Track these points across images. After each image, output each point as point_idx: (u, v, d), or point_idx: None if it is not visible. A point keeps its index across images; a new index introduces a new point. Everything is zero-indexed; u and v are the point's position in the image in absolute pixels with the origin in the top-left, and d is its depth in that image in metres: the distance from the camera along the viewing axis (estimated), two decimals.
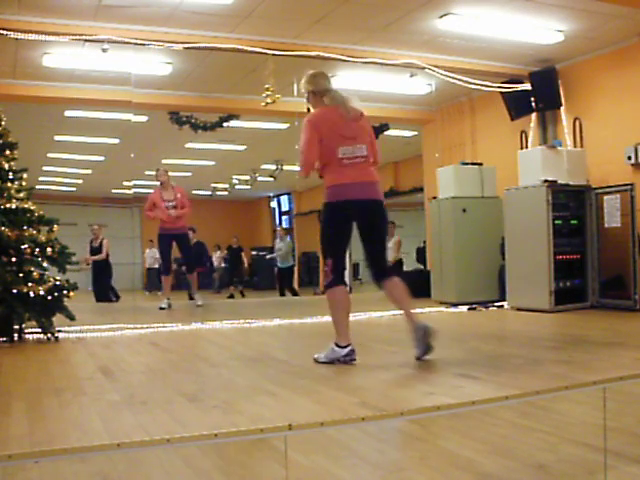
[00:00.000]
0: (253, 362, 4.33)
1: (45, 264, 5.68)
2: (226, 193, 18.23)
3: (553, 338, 5.60)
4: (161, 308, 8.10)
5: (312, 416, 2.69)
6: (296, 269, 14.73)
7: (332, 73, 8.24)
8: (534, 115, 8.51)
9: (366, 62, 7.53)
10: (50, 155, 12.78)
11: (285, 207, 20.16)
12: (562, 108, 8.19)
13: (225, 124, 10.14)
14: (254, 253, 19.23)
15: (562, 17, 6.60)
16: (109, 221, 14.78)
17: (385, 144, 11.22)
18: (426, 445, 2.93)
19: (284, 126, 10.66)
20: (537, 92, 8.13)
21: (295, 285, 13.88)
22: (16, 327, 5.40)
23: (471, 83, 8.09)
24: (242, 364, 4.26)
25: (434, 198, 8.96)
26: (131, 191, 13.19)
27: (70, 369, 4.38)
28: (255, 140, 12.21)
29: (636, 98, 7.23)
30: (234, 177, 16.70)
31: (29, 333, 5.53)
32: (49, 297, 5.46)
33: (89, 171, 14.90)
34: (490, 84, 8.34)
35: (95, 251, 10.58)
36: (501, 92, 8.45)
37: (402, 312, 4.09)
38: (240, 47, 6.96)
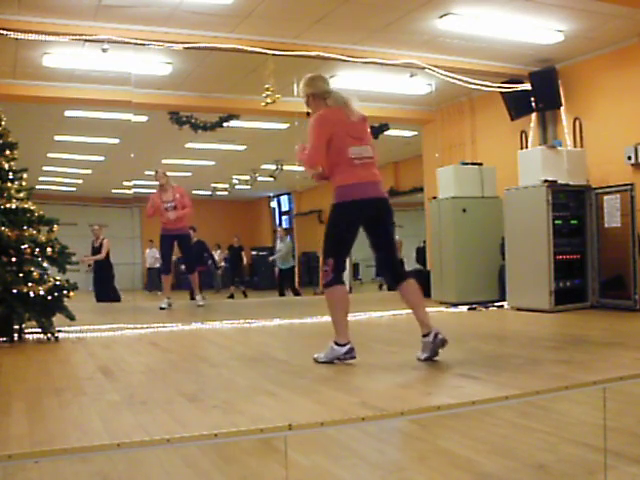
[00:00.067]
0: (253, 362, 4.33)
1: (45, 264, 5.68)
2: (226, 193, 18.24)
3: (553, 338, 5.60)
4: (161, 308, 8.10)
5: (312, 416, 2.69)
6: (296, 269, 14.73)
7: (332, 73, 8.27)
8: (534, 115, 8.51)
9: (366, 62, 7.53)
10: (50, 155, 12.78)
11: (285, 207, 20.17)
12: (562, 108, 8.19)
13: (225, 124, 10.14)
14: (254, 253, 19.24)
15: (562, 17, 6.60)
16: (109, 221, 14.76)
17: (385, 144, 11.27)
18: (426, 445, 2.93)
19: (284, 126, 10.66)
20: (537, 92, 8.13)
21: (295, 285, 13.89)
22: (16, 327, 5.39)
23: (471, 83, 8.09)
24: (242, 364, 4.26)
25: (434, 198, 8.96)
26: (131, 191, 13.20)
27: (70, 369, 4.38)
28: (255, 140, 12.21)
29: (636, 98, 7.23)
30: (234, 177, 16.71)
31: (29, 333, 5.53)
32: (49, 297, 5.46)
33: (89, 171, 14.90)
34: (490, 84, 8.34)
35: (96, 252, 10.59)
36: (501, 92, 8.45)
37: (417, 317, 4.08)
38: (240, 47, 6.96)
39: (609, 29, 6.93)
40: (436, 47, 7.49)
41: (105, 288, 10.67)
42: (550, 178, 7.25)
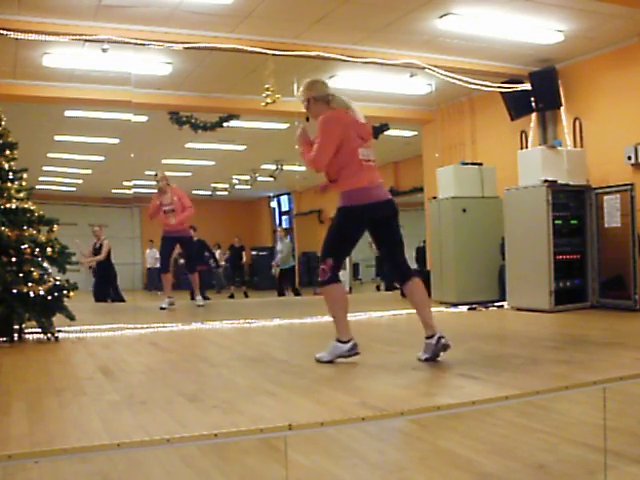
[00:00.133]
0: (253, 362, 4.33)
1: (45, 264, 5.68)
2: (226, 193, 18.23)
3: (553, 338, 5.60)
4: (162, 308, 8.11)
5: (312, 416, 2.69)
6: (296, 269, 14.72)
7: (332, 73, 8.28)
8: (534, 115, 8.51)
9: (366, 62, 7.53)
10: (50, 155, 12.78)
11: (285, 207, 20.16)
12: (562, 108, 8.18)
13: (225, 124, 10.14)
14: (254, 253, 19.24)
15: (562, 17, 6.60)
16: (109, 221, 14.77)
17: (385, 144, 11.26)
18: (426, 445, 2.93)
19: (284, 126, 10.66)
20: (537, 92, 8.13)
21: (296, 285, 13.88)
22: (16, 327, 5.40)
23: (471, 83, 8.09)
24: (242, 364, 4.26)
25: (434, 198, 8.97)
26: (131, 191, 13.20)
27: (70, 369, 4.38)
28: (255, 140, 12.21)
29: (636, 98, 7.23)
30: (234, 177, 16.70)
31: (29, 333, 5.53)
32: (49, 297, 5.46)
33: (89, 171, 14.89)
34: (490, 84, 8.34)
35: (97, 253, 10.59)
36: (501, 92, 8.45)
37: (420, 317, 4.09)
38: (240, 47, 6.96)
39: (609, 29, 6.93)
40: (436, 47, 7.49)
41: (104, 289, 10.67)
42: (550, 178, 7.25)
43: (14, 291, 5.28)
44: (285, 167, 13.96)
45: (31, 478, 2.46)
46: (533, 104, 8.22)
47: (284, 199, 20.06)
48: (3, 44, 6.52)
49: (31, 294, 5.35)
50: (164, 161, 13.57)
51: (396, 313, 7.21)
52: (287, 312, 7.67)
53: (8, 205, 5.48)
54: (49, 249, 5.62)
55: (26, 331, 5.51)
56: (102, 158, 13.25)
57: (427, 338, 4.00)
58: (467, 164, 8.96)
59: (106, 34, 6.48)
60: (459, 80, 7.97)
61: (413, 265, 12.02)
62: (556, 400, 3.45)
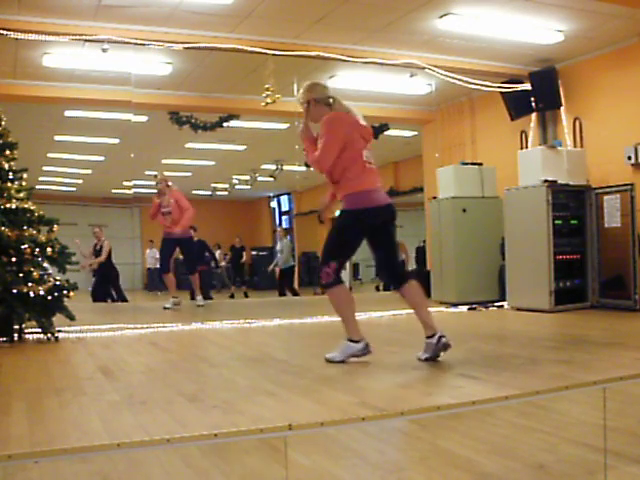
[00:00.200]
0: (253, 362, 4.33)
1: (45, 264, 5.68)
2: (226, 193, 18.23)
3: (553, 338, 5.60)
4: (165, 308, 8.13)
5: (312, 416, 2.69)
6: (296, 269, 14.72)
7: (332, 73, 8.28)
8: (534, 115, 8.51)
9: (366, 62, 7.53)
10: (50, 155, 12.78)
11: (285, 207, 20.16)
12: (562, 108, 8.18)
13: (225, 124, 10.15)
14: (254, 253, 19.24)
15: (562, 17, 6.60)
16: (109, 221, 14.78)
17: (385, 144, 11.27)
18: (426, 445, 2.93)
19: (284, 126, 10.66)
20: (537, 92, 8.13)
21: (295, 285, 13.88)
22: (16, 327, 5.39)
23: (471, 83, 8.09)
24: (242, 364, 4.26)
25: (434, 198, 8.97)
26: (131, 191, 13.21)
27: (70, 369, 4.38)
28: (255, 140, 12.21)
29: (636, 98, 7.23)
30: (234, 177, 16.70)
31: (29, 333, 5.53)
32: (49, 297, 5.46)
33: (89, 171, 14.90)
34: (490, 84, 8.34)
35: (97, 253, 10.59)
36: (501, 92, 8.45)
37: (420, 318, 4.09)
38: (240, 47, 6.96)
39: (609, 29, 6.93)
40: (436, 47, 7.49)
41: (104, 289, 10.67)
42: (550, 178, 7.25)
43: (14, 291, 5.28)
44: (285, 167, 13.95)
45: (31, 478, 2.46)
46: (533, 104, 8.22)
47: (284, 199, 20.05)
48: (3, 44, 6.52)
49: (31, 294, 5.34)
50: (164, 161, 13.57)
51: (396, 313, 7.21)
52: (287, 312, 7.67)
53: (8, 205, 5.48)
54: (49, 249, 5.62)
55: (26, 331, 5.51)
56: (102, 158, 13.25)
57: (428, 338, 4.00)
58: (467, 164, 8.96)
59: (106, 34, 6.48)
60: (459, 80, 7.97)
61: (413, 265, 12.03)
62: (556, 400, 3.45)
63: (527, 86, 8.20)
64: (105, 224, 11.97)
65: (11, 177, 5.67)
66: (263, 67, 7.25)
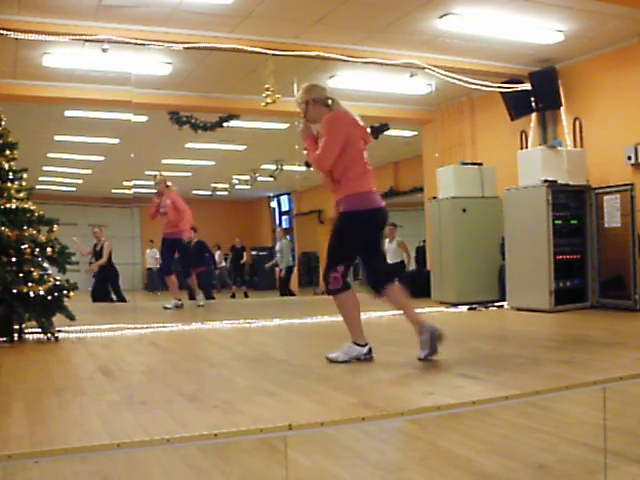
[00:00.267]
0: (253, 362, 4.33)
1: (45, 264, 5.68)
2: (226, 193, 18.21)
3: (553, 338, 5.60)
4: (165, 308, 8.13)
5: (312, 416, 2.68)
6: (296, 269, 14.72)
7: (332, 73, 8.28)
8: (534, 115, 8.51)
9: (366, 62, 7.53)
10: (50, 155, 12.78)
11: (285, 207, 20.15)
12: (562, 108, 8.19)
13: (225, 124, 10.14)
14: (254, 253, 19.23)
15: (562, 17, 6.60)
16: (109, 221, 14.76)
17: (385, 144, 11.27)
18: (426, 445, 2.93)
19: (284, 126, 10.66)
20: (537, 92, 8.13)
21: (294, 285, 13.88)
22: (16, 327, 5.39)
23: (471, 83, 8.09)
24: (242, 364, 4.26)
25: (434, 198, 8.96)
26: (131, 191, 13.20)
27: (70, 369, 4.38)
28: (255, 140, 12.21)
29: (636, 98, 7.23)
30: (234, 177, 16.69)
31: (29, 333, 5.53)
32: (49, 297, 5.46)
33: (89, 171, 14.89)
34: (490, 84, 8.34)
35: (97, 254, 10.59)
36: (501, 92, 8.45)
37: (408, 318, 4.10)
38: (240, 47, 6.96)
39: (609, 29, 6.93)
40: (436, 47, 7.49)
41: (103, 290, 10.67)
42: (550, 178, 7.25)
43: (14, 291, 5.28)
44: (285, 167, 13.94)
45: (31, 478, 2.46)
46: (533, 104, 8.22)
47: (284, 199, 20.04)
48: (3, 44, 6.52)
49: (31, 294, 5.34)
50: (164, 161, 13.57)
51: (396, 313, 7.18)
52: (287, 312, 7.68)
53: (8, 205, 5.48)
54: (49, 249, 5.62)
55: (26, 331, 5.51)
56: (102, 158, 13.25)
57: (421, 334, 4.01)
58: (467, 164, 8.96)
59: (106, 34, 6.48)
60: (459, 80, 7.97)
61: (413, 265, 12.02)
62: (556, 400, 3.44)
63: (527, 86, 8.20)
64: (105, 224, 11.97)
65: (11, 177, 5.67)
66: (263, 67, 7.25)
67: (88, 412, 2.94)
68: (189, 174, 15.41)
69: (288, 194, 19.44)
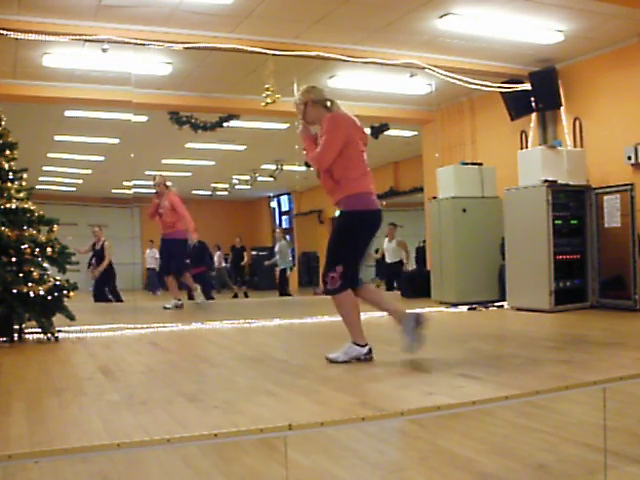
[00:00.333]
0: (253, 362, 4.33)
1: (45, 264, 5.68)
2: (226, 193, 18.21)
3: (553, 338, 5.60)
4: (165, 308, 8.13)
5: (312, 416, 2.69)
6: (296, 269, 14.73)
7: (332, 73, 8.28)
8: (534, 115, 8.51)
9: (366, 62, 7.53)
10: (50, 155, 12.78)
11: (285, 207, 20.15)
12: (562, 108, 8.19)
13: (225, 124, 10.14)
14: (254, 253, 19.24)
15: (562, 17, 6.60)
16: (109, 221, 14.76)
17: (385, 144, 11.27)
18: (426, 445, 2.93)
19: (284, 126, 10.66)
20: (537, 92, 8.13)
21: (294, 285, 13.90)
22: (16, 327, 5.39)
23: (471, 83, 8.09)
24: (242, 364, 4.26)
25: (434, 198, 8.96)
26: (131, 191, 13.18)
27: (70, 369, 4.38)
28: (255, 140, 12.21)
29: (636, 98, 7.23)
30: (234, 177, 16.69)
31: (29, 333, 5.53)
32: (49, 297, 5.46)
33: (89, 171, 14.89)
34: (490, 84, 8.34)
35: (97, 253, 10.59)
36: (501, 92, 8.45)
37: (386, 311, 4.15)
38: (240, 47, 6.96)
39: (609, 29, 6.93)
40: (436, 47, 7.49)
41: (104, 289, 10.68)
42: (550, 178, 7.25)
43: (14, 291, 5.28)
44: (285, 167, 13.94)
45: (31, 478, 2.46)
46: (533, 104, 8.23)
47: (284, 199, 20.04)
48: (3, 44, 6.52)
49: (31, 294, 5.34)
50: (164, 161, 13.57)
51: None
52: (287, 312, 7.67)
53: (8, 205, 5.48)
54: (49, 249, 5.62)
55: (26, 331, 5.51)
56: (102, 158, 13.25)
57: (401, 324, 4.04)
58: (467, 164, 8.96)
59: (106, 34, 6.48)
60: (459, 80, 7.97)
61: (413, 265, 12.04)
62: (556, 400, 3.45)
63: (527, 86, 8.20)
64: (105, 224, 11.96)
65: (11, 177, 5.67)
66: (263, 67, 7.25)
67: (88, 412, 2.94)
68: (189, 174, 15.41)
69: (288, 194, 19.44)
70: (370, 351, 4.05)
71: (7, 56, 7.09)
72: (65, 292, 5.59)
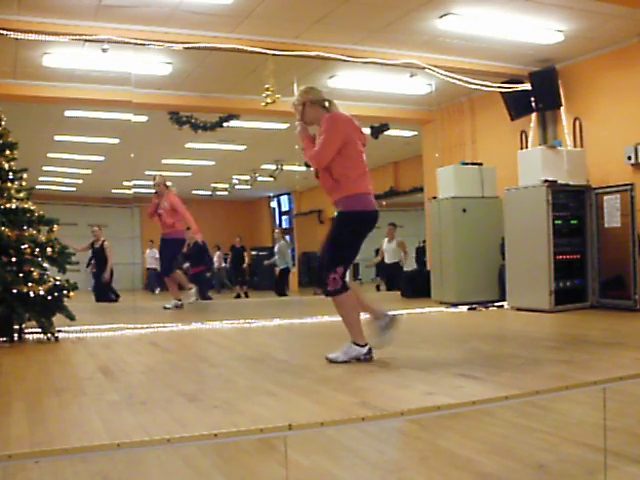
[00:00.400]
0: (253, 362, 4.33)
1: (45, 264, 5.68)
2: (226, 193, 18.22)
3: (553, 338, 5.60)
4: (165, 308, 8.13)
5: (312, 416, 2.68)
6: (295, 269, 14.73)
7: (332, 73, 8.28)
8: (534, 115, 8.51)
9: (366, 62, 7.53)
10: (50, 155, 12.78)
11: (285, 207, 20.16)
12: (562, 108, 8.19)
13: (225, 124, 10.15)
14: (254, 253, 19.25)
15: (562, 17, 6.60)
16: (109, 221, 14.78)
17: (385, 144, 11.27)
18: (426, 445, 2.93)
19: (284, 126, 10.65)
20: (537, 92, 8.13)
21: (294, 285, 13.90)
22: (16, 327, 5.40)
23: (471, 83, 8.09)
24: (242, 364, 4.26)
25: (434, 198, 8.96)
26: (131, 191, 13.19)
27: (70, 369, 4.38)
28: (255, 140, 12.21)
29: (636, 98, 7.23)
30: (234, 177, 16.70)
31: (29, 333, 5.53)
32: (49, 297, 5.46)
33: (89, 171, 14.90)
34: (490, 84, 8.34)
35: (96, 253, 10.60)
36: (501, 92, 8.45)
37: (365, 308, 4.16)
38: (240, 47, 6.96)
39: (609, 29, 6.93)
40: (436, 47, 7.49)
41: (105, 288, 10.69)
42: (550, 178, 7.25)
43: (14, 291, 5.28)
44: (285, 167, 13.95)
45: (31, 478, 2.46)
46: (533, 104, 8.22)
47: (284, 199, 20.05)
48: (3, 44, 6.52)
49: (31, 294, 5.34)
50: (164, 161, 13.57)
51: (396, 313, 7.19)
52: (287, 312, 7.67)
53: (8, 205, 5.48)
54: (49, 249, 5.62)
55: (26, 331, 5.51)
56: (102, 158, 13.25)
57: (377, 320, 4.12)
58: (467, 164, 8.96)
59: (106, 34, 6.48)
60: (459, 80, 7.97)
61: (413, 265, 12.04)
62: (556, 400, 3.45)
63: (527, 86, 8.20)
64: (105, 224, 11.97)
65: (11, 177, 5.67)
66: (263, 67, 7.26)
67: (88, 412, 2.94)
68: (189, 174, 15.41)
69: (288, 194, 19.45)
70: (370, 351, 4.06)
71: (7, 56, 7.09)
72: (65, 292, 5.59)
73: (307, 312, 7.20)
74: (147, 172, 11.39)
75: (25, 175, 5.86)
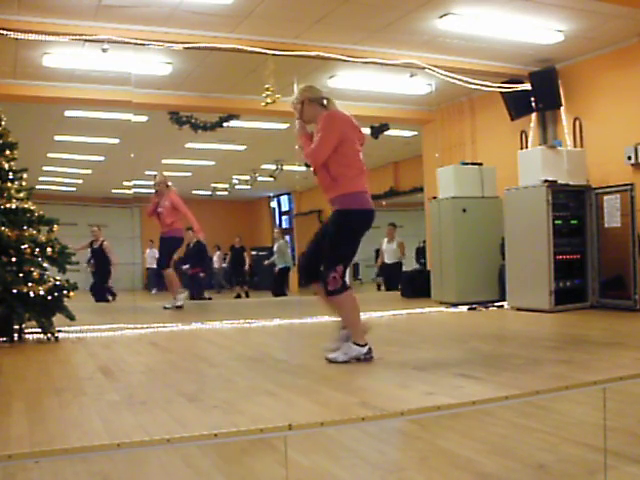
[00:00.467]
0: (253, 362, 4.33)
1: (45, 264, 5.68)
2: (226, 193, 18.23)
3: (553, 338, 5.60)
4: (165, 308, 8.13)
5: (312, 416, 2.69)
6: (296, 269, 14.69)
7: (332, 73, 8.28)
8: (534, 115, 8.51)
9: (366, 62, 7.53)
10: (50, 155, 12.78)
11: (285, 207, 20.16)
12: (562, 108, 8.18)
13: (225, 124, 10.15)
14: (254, 253, 19.25)
15: (562, 17, 6.60)
16: (109, 221, 14.78)
17: (385, 144, 11.25)
18: (426, 445, 2.93)
19: (284, 126, 10.65)
20: (537, 92, 8.13)
21: (293, 285, 13.90)
22: (16, 327, 5.40)
23: (471, 83, 8.09)
24: (242, 364, 4.26)
25: (434, 198, 8.96)
26: (131, 191, 13.20)
27: (70, 369, 4.38)
28: (255, 140, 12.21)
29: (636, 98, 7.23)
30: (234, 177, 16.70)
31: (29, 333, 5.54)
32: (49, 297, 5.46)
33: (89, 171, 14.90)
34: (490, 84, 8.34)
35: (95, 252, 10.60)
36: (501, 92, 8.45)
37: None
38: (240, 47, 6.96)
39: (609, 29, 6.93)
40: (436, 47, 7.49)
41: (103, 287, 10.70)
42: (550, 178, 7.25)
43: (14, 291, 5.28)
44: (285, 167, 13.95)
45: (31, 478, 2.46)
46: (533, 104, 8.22)
47: (284, 199, 20.06)
48: (3, 44, 6.52)
49: (31, 294, 5.35)
50: (164, 161, 13.57)
51: (396, 313, 7.21)
52: (287, 312, 7.68)
53: (8, 205, 5.48)
54: (49, 249, 5.62)
55: (26, 331, 5.51)
56: (102, 158, 13.25)
57: (344, 329, 4.11)
58: (467, 164, 8.96)
59: (106, 34, 6.48)
60: (459, 80, 7.97)
61: (413, 265, 12.05)
62: (556, 400, 3.44)
63: (527, 86, 8.20)
64: (105, 224, 11.99)
65: (11, 177, 5.67)
66: (263, 67, 7.25)
67: (88, 412, 2.95)
68: (189, 174, 15.41)
69: (288, 194, 19.45)
70: (370, 351, 4.06)
71: (7, 56, 7.09)
72: (65, 292, 5.60)
73: (307, 312, 7.20)
74: (147, 172, 11.39)
75: (25, 175, 5.86)
